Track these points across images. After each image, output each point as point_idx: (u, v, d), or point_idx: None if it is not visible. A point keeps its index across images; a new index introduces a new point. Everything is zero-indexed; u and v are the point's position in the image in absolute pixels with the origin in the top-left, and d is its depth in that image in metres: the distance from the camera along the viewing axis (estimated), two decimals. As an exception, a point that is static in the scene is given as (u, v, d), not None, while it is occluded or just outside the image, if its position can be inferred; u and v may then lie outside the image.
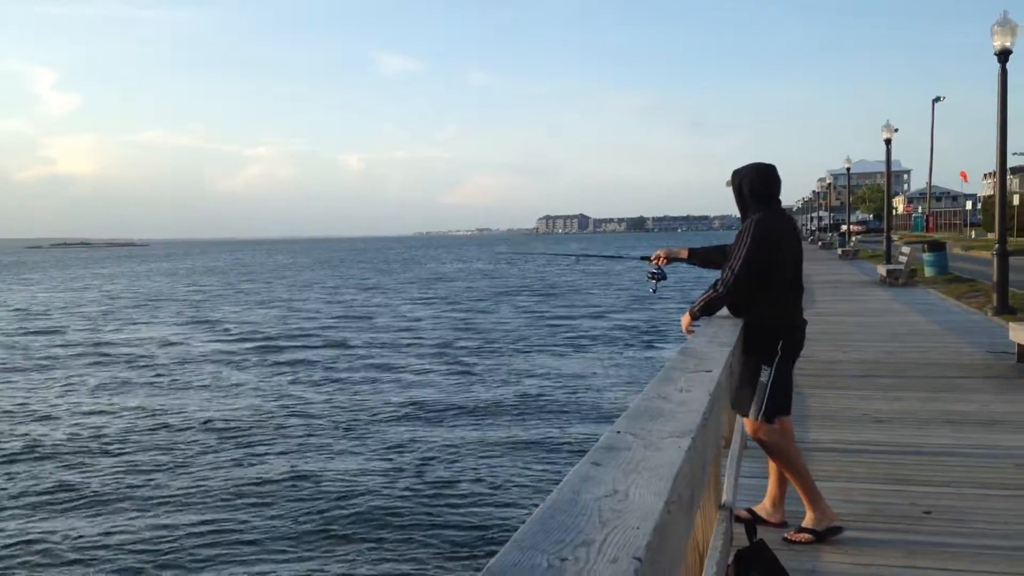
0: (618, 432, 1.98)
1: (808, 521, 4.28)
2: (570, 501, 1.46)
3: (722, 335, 3.76)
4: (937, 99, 71.33)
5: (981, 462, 5.61)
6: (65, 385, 18.28)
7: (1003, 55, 13.82)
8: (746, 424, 4.40)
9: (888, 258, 26.19)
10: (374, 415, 14.49)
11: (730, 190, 4.55)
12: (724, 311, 4.82)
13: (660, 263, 4.92)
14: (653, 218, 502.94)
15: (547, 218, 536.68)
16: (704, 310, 4.43)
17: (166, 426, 14.03)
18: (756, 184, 4.41)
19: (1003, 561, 3.97)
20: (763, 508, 4.57)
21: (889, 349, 10.60)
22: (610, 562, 1.20)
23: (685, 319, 4.51)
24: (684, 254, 4.92)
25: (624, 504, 1.45)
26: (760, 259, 4.22)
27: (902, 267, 21.03)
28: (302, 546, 8.62)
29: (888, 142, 28.10)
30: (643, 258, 5.12)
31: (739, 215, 4.49)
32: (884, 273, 21.26)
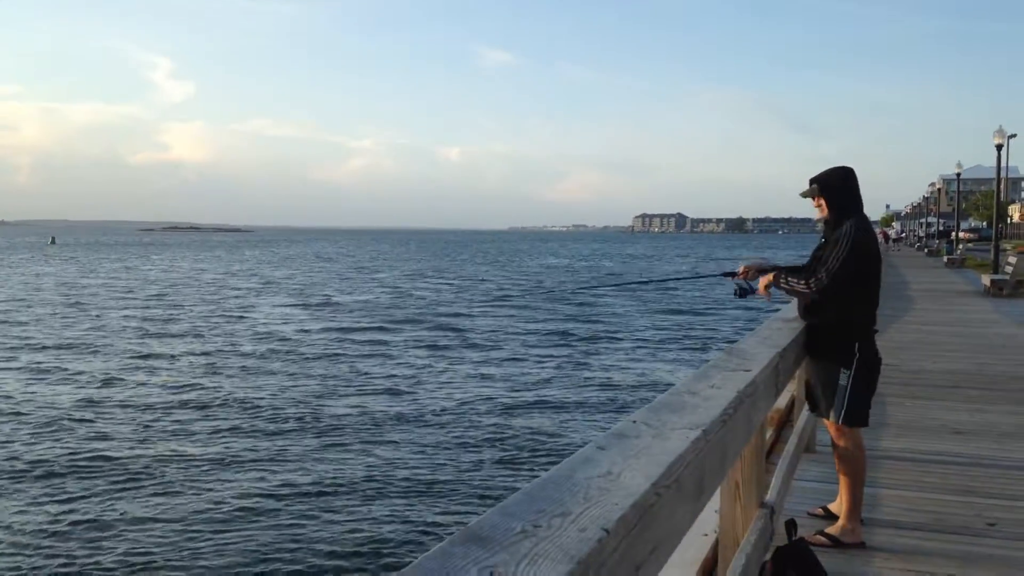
0: (634, 421, 2.09)
1: (836, 529, 4.30)
2: (564, 478, 1.58)
3: (776, 337, 3.80)
4: (1060, 102, 67.75)
5: (1058, 479, 5.45)
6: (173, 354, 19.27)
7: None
8: (828, 427, 4.43)
9: (995, 268, 25.13)
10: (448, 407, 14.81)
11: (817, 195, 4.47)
12: (792, 311, 4.83)
13: (747, 277, 4.71)
14: (753, 219, 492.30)
15: (643, 216, 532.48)
16: (789, 293, 4.50)
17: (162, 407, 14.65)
18: (853, 187, 4.42)
19: (1061, 578, 3.90)
20: (836, 505, 4.64)
21: (981, 361, 10.26)
22: (579, 531, 1.32)
23: (766, 280, 4.54)
24: (771, 275, 4.61)
25: (613, 484, 1.57)
26: (855, 266, 4.24)
27: (1007, 277, 20.18)
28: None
29: (1000, 147, 26.94)
30: (726, 274, 4.88)
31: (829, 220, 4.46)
32: (988, 283, 20.44)
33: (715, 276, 5.14)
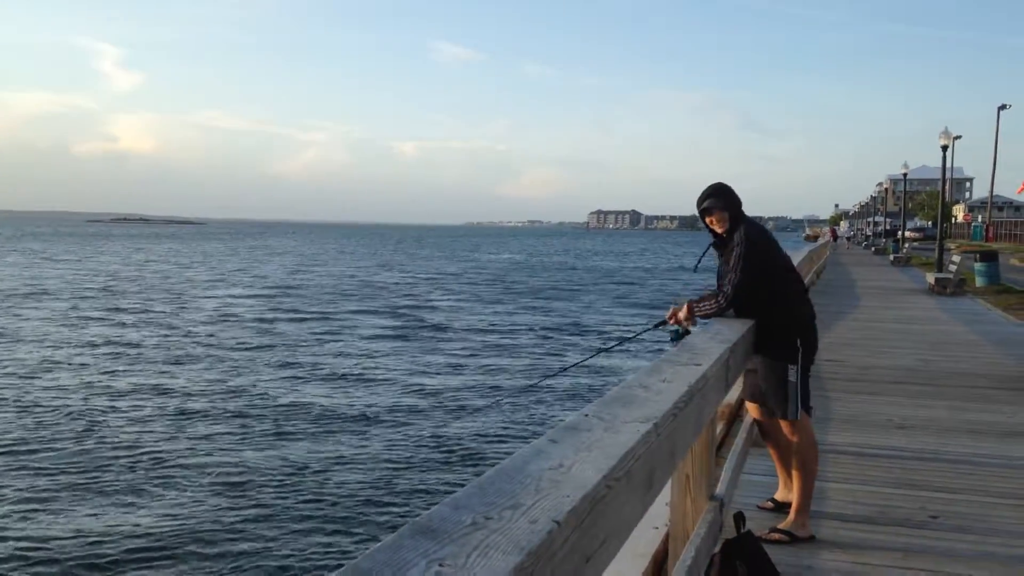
0: (586, 415, 2.10)
1: (788, 524, 4.37)
2: (516, 470, 1.59)
3: (726, 332, 3.84)
4: (1003, 107, 69.44)
5: (996, 471, 5.61)
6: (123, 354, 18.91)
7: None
8: (784, 425, 4.46)
9: (939, 266, 25.71)
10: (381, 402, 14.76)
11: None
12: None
13: (676, 321, 4.59)
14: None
15: (599, 213, 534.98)
16: (709, 317, 4.48)
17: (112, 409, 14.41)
18: (738, 200, 4.48)
19: (999, 567, 4.01)
20: (780, 494, 4.76)
21: (925, 357, 10.51)
22: (529, 522, 1.33)
23: (684, 312, 4.49)
24: (685, 306, 4.56)
25: (564, 476, 1.57)
26: (757, 265, 4.31)
27: (951, 276, 20.68)
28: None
29: (945, 148, 27.55)
30: (658, 324, 4.80)
31: (727, 227, 4.46)
32: (932, 281, 20.91)
33: (650, 329, 5.15)
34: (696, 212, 4.54)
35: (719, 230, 4.46)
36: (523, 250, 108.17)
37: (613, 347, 5.85)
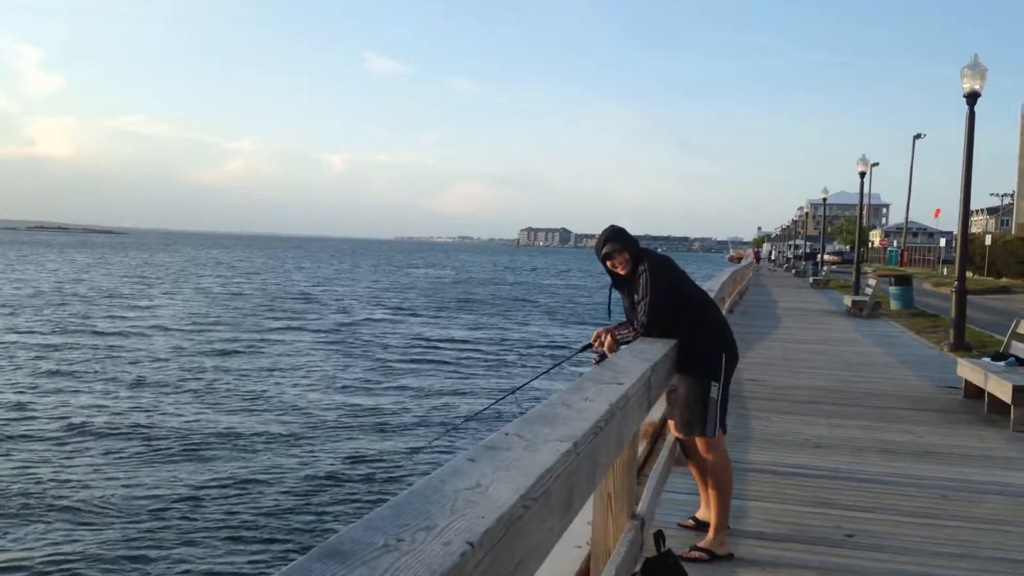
0: (506, 433, 2.08)
1: (708, 543, 4.41)
2: (433, 490, 1.55)
3: (649, 352, 3.87)
4: (918, 136, 72.02)
5: (908, 490, 5.77)
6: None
7: (972, 97, 14.09)
8: (699, 443, 4.50)
9: (856, 289, 26.51)
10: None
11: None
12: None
13: (602, 345, 4.56)
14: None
15: (529, 230, 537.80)
16: (627, 343, 4.53)
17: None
18: (634, 239, 4.56)
19: (908, 585, 4.12)
20: (702, 512, 4.79)
21: (841, 378, 10.78)
22: (443, 544, 1.30)
23: (608, 340, 4.51)
24: (610, 333, 4.57)
25: (481, 496, 1.55)
26: (665, 287, 4.41)
27: (867, 299, 21.32)
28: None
29: (863, 175, 28.49)
30: (584, 348, 4.78)
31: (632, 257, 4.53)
32: (849, 304, 21.53)
33: (576, 354, 5.15)
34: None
35: (622, 272, 4.51)
36: (456, 266, 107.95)
37: (539, 375, 5.88)
